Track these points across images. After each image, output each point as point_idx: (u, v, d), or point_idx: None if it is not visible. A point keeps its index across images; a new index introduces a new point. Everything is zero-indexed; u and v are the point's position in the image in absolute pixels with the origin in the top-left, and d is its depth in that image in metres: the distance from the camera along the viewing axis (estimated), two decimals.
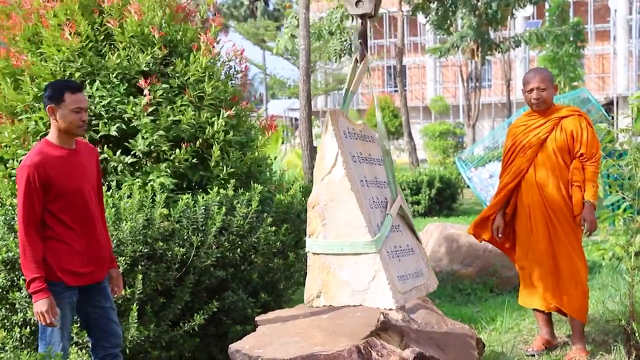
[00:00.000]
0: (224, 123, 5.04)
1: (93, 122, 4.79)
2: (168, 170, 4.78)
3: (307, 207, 3.70)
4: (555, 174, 4.92)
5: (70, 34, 4.88)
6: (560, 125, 4.93)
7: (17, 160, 4.79)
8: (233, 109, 5.20)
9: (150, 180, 4.74)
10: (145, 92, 4.87)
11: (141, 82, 4.89)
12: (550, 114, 5.00)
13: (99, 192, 3.95)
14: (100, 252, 3.83)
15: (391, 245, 3.64)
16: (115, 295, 4.04)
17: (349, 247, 3.50)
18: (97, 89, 4.85)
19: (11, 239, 4.24)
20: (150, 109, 4.88)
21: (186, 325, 4.42)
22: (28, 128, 4.84)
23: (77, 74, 4.89)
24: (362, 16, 3.94)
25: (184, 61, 5.14)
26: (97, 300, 3.83)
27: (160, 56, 5.09)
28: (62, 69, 4.91)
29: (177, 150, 4.82)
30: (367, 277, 3.46)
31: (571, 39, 24.04)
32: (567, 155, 4.92)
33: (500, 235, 5.15)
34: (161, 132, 4.81)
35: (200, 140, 5.00)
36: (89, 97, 4.83)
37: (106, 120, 4.82)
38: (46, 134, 4.65)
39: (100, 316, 3.85)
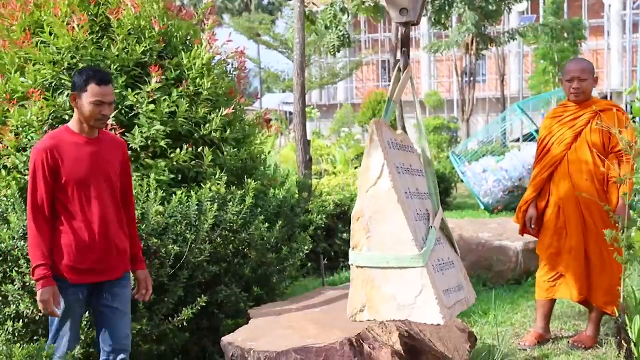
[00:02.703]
0: (219, 121, 5.04)
1: None
2: (166, 168, 4.76)
3: (352, 219, 3.58)
4: (589, 168, 4.89)
5: (78, 25, 4.86)
6: (597, 119, 4.84)
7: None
8: (231, 105, 5.20)
9: (147, 176, 4.72)
10: (155, 78, 4.85)
11: (152, 68, 4.87)
12: (588, 106, 4.93)
13: (123, 187, 3.81)
14: (111, 250, 3.67)
15: (435, 258, 3.56)
16: (144, 299, 3.92)
17: (395, 260, 3.41)
18: None
19: (5, 230, 4.23)
20: (151, 99, 4.88)
21: (175, 319, 4.40)
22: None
23: (80, 65, 4.87)
24: (406, 24, 3.89)
25: (181, 54, 5.15)
26: (104, 298, 3.70)
27: (157, 49, 5.09)
28: (62, 59, 4.88)
29: (178, 150, 4.81)
30: (413, 291, 3.37)
31: (565, 35, 24.08)
32: (603, 150, 4.88)
33: (533, 226, 5.14)
34: (159, 126, 4.80)
35: (197, 137, 5.00)
36: None
37: None
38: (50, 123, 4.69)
39: (104, 315, 3.72)
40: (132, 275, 3.90)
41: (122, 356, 3.77)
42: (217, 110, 5.13)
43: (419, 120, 4.07)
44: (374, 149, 3.54)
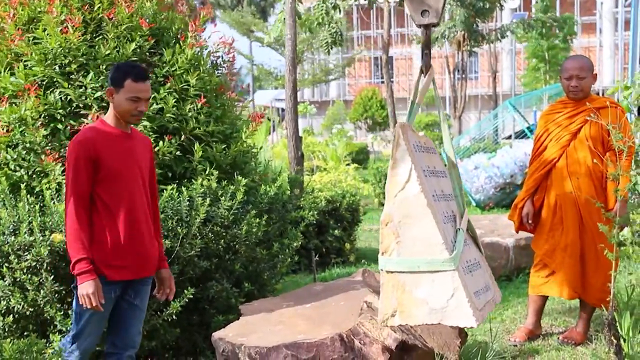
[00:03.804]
0: (207, 114, 5.00)
1: (82, 112, 4.76)
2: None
3: (379, 224, 3.58)
4: (587, 165, 4.88)
5: (72, 28, 4.79)
6: (597, 115, 4.76)
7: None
8: (216, 98, 5.15)
9: None
10: None
11: None
12: (586, 103, 4.91)
13: (150, 186, 3.81)
14: (146, 248, 3.66)
15: (464, 260, 3.56)
16: (166, 299, 3.90)
17: (426, 264, 3.41)
18: (90, 79, 4.79)
19: None
20: None
21: (164, 313, 4.40)
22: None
23: (72, 65, 4.83)
24: (427, 26, 3.88)
25: (171, 50, 5.10)
26: (128, 294, 3.68)
27: (147, 46, 5.05)
28: (55, 57, 4.83)
29: (161, 143, 4.79)
30: (445, 295, 3.38)
31: (557, 31, 24.17)
32: (601, 147, 4.87)
33: (530, 222, 5.13)
34: (145, 123, 4.77)
35: (183, 132, 4.97)
36: (82, 87, 4.78)
37: (97, 110, 4.77)
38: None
39: (123, 311, 3.69)
40: None
41: (129, 353, 3.76)
42: (206, 106, 5.10)
43: (443, 123, 4.05)
44: (401, 153, 3.53)
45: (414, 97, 3.90)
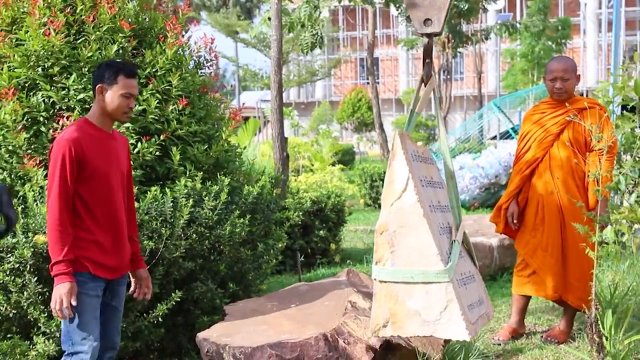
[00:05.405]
0: (190, 114, 4.99)
1: (65, 114, 4.73)
2: (132, 163, 4.71)
3: (372, 232, 3.57)
4: (570, 165, 4.91)
5: (54, 31, 4.77)
6: (579, 117, 4.79)
7: None
8: (199, 98, 5.12)
9: None
10: None
11: None
12: (570, 104, 4.92)
13: (129, 187, 3.82)
14: (122, 248, 3.66)
15: (458, 272, 3.53)
16: (145, 298, 3.89)
17: (420, 275, 3.37)
18: (73, 81, 4.76)
19: None
20: None
21: (150, 315, 4.39)
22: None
23: (55, 68, 4.80)
24: (429, 35, 3.86)
25: (153, 52, 5.08)
26: (105, 295, 3.64)
27: (129, 48, 5.03)
28: (38, 59, 4.80)
29: (139, 144, 4.77)
30: (438, 307, 3.35)
31: (551, 33, 24.36)
32: (584, 148, 4.89)
33: (515, 221, 5.14)
34: (127, 124, 4.75)
35: (165, 133, 4.95)
36: (65, 89, 4.76)
37: (80, 112, 4.75)
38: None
39: (101, 312, 3.63)
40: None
41: (110, 354, 3.74)
42: (189, 107, 5.08)
43: (442, 133, 4.03)
44: (399, 162, 3.50)
45: (413, 106, 3.87)
